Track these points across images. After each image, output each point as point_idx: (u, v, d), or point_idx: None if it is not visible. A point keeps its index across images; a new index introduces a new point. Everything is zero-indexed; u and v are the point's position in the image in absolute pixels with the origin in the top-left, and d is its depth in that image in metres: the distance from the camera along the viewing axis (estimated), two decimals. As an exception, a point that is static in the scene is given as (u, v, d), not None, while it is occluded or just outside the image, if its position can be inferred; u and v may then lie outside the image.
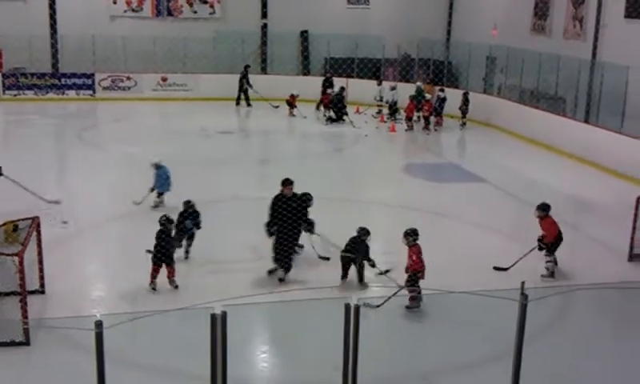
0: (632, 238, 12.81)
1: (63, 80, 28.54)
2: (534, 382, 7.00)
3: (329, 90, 27.08)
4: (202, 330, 5.81)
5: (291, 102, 26.91)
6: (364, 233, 11.24)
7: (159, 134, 23.18)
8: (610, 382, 8.80)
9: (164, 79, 29.27)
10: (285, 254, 11.40)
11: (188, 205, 12.31)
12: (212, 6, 31.04)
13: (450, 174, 19.58)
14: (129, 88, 28.93)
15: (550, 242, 11.82)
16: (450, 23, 32.94)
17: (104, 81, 28.70)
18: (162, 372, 8.63)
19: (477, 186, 18.07)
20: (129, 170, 17.86)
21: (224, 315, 5.59)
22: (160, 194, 14.87)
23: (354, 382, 5.84)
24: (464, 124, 25.70)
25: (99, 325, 5.45)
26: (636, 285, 11.38)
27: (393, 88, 26.43)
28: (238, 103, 28.25)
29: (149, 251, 10.95)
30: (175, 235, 11.67)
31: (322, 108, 27.01)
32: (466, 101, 25.65)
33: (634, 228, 12.79)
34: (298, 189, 14.80)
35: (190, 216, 12.19)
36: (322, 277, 11.20)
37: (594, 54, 23.06)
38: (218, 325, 5.61)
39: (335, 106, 25.96)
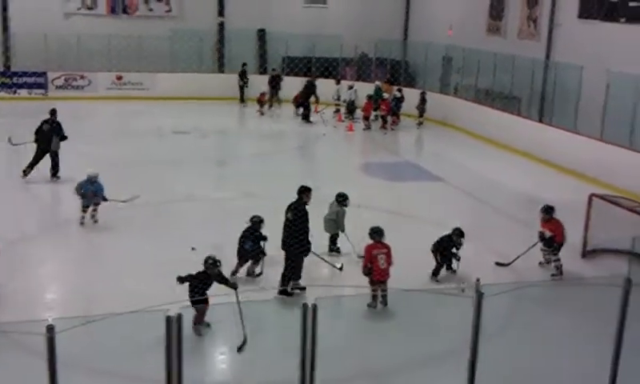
0: (585, 235, 13.03)
1: (15, 79, 27.84)
2: (490, 379, 7.03)
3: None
4: (158, 333, 5.70)
5: (261, 100, 26.84)
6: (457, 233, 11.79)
7: (114, 134, 22.81)
8: (565, 376, 8.91)
9: (119, 78, 28.83)
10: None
11: (252, 221, 11.64)
12: (168, 4, 30.66)
13: (407, 173, 19.68)
14: (83, 87, 28.40)
15: (560, 241, 11.99)
16: (407, 23, 33.15)
17: (57, 80, 28.13)
18: (116, 376, 8.45)
19: (434, 184, 18.21)
20: (82, 170, 17.51)
21: (179, 317, 5.49)
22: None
23: (312, 381, 5.79)
24: (421, 123, 25.90)
25: (51, 329, 5.30)
26: (589, 281, 11.56)
27: (350, 87, 26.48)
28: (242, 101, 28.29)
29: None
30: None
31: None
32: (423, 100, 25.88)
33: (586, 225, 13.01)
34: (254, 189, 14.80)
35: (252, 236, 11.50)
36: (276, 277, 11.13)
37: (547, 54, 23.44)
38: (174, 327, 5.50)
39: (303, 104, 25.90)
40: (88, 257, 12.52)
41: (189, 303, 5.96)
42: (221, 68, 31.17)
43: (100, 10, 29.94)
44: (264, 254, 11.43)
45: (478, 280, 6.35)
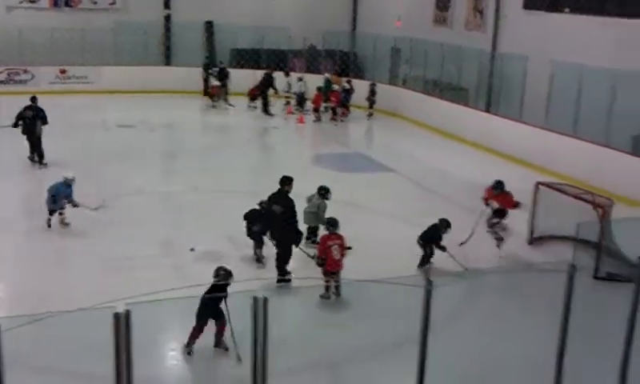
0: (531, 223, 13.27)
1: (-45, 73, 27.09)
2: (441, 367, 7.10)
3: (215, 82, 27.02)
4: (107, 331, 5.59)
5: (212, 93, 26.59)
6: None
7: (58, 129, 22.29)
8: (515, 360, 9.06)
9: (63, 72, 28.20)
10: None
11: (261, 205, 11.75)
12: (112, -4, 30.11)
13: (358, 164, 19.76)
14: (26, 81, 27.63)
15: (513, 207, 12.81)
16: (354, 14, 33.22)
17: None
18: (65, 375, 8.29)
19: (384, 175, 18.32)
20: (25, 166, 17.14)
21: (127, 314, 5.38)
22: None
23: (264, 374, 5.75)
24: (371, 114, 26.03)
25: (-4, 328, 5.14)
26: (536, 267, 11.78)
27: (300, 79, 26.41)
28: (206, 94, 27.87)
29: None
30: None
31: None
32: (372, 92, 26.00)
33: (533, 213, 13.25)
34: (204, 183, 14.68)
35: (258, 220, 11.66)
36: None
37: (494, 45, 23.76)
38: (122, 324, 5.39)
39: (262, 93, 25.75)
40: (35, 254, 12.21)
41: (136, 299, 5.84)
42: (167, 61, 30.73)
43: (42, 3, 29.23)
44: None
45: (428, 268, 6.39)
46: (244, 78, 27.50)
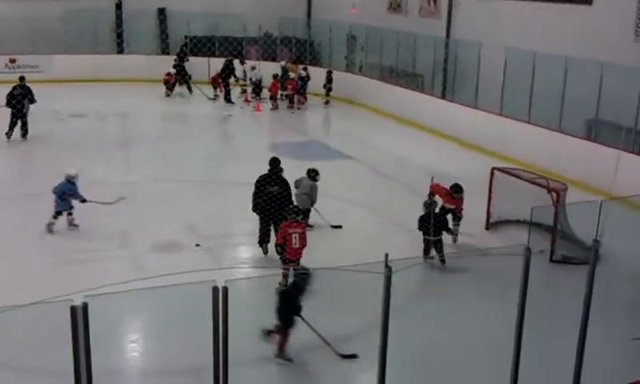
0: (488, 207, 13.43)
1: None
2: (403, 351, 7.14)
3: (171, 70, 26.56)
4: (65, 324, 5.48)
5: (168, 81, 26.22)
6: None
7: (7, 120, 21.79)
8: (475, 342, 9.17)
9: (12, 61, 27.47)
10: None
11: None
12: (61, -16, 29.39)
13: (315, 152, 19.70)
14: (-26, 71, 26.95)
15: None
16: (310, 1, 33.10)
17: (-55, 64, 26.66)
18: (21, 371, 8.12)
19: (342, 162, 18.32)
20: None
21: (85, 307, 5.28)
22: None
23: (225, 364, 5.71)
24: (328, 102, 26.02)
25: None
26: (493, 251, 11.91)
27: (253, 68, 26.15)
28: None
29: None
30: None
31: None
32: (329, 79, 25.99)
33: (489, 198, 13.40)
34: (161, 173, 14.48)
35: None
36: (189, 262, 10.96)
37: (448, 32, 23.93)
38: (79, 317, 5.28)
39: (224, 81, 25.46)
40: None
41: (93, 292, 5.70)
42: (120, 49, 30.20)
43: (-11, -8, 28.41)
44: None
45: (386, 255, 6.40)
46: (198, 66, 27.26)
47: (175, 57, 27.41)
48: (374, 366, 6.11)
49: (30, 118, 18.91)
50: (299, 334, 8.83)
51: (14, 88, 18.72)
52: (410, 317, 9.35)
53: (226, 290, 5.54)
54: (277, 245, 10.56)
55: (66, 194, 12.44)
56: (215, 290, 5.54)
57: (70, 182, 12.55)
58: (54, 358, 6.87)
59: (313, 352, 8.90)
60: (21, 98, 18.51)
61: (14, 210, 13.50)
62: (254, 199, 11.54)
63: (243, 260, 11.83)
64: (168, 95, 26.28)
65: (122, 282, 8.90)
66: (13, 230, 12.53)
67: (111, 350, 8.49)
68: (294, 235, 10.40)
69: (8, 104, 18.41)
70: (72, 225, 12.55)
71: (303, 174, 13.28)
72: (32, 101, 19.06)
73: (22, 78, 19.31)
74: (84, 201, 12.55)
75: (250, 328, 8.62)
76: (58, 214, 12.41)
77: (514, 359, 6.66)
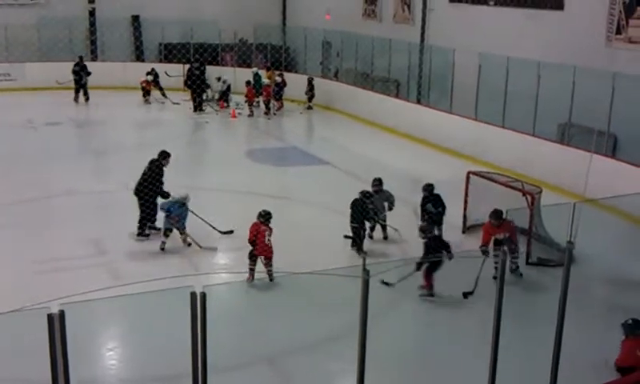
0: (465, 211, 13.52)
1: None
2: (381, 355, 7.17)
3: (148, 77, 26.45)
4: (41, 332, 5.43)
5: (146, 88, 26.07)
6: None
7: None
8: (452, 345, 9.24)
9: (-16, 69, 27.22)
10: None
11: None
12: (34, -9, 29.18)
13: (292, 158, 19.74)
14: (-55, 79, 26.62)
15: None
16: (284, 8, 33.16)
17: None
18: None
19: (319, 168, 18.35)
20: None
21: (62, 314, 5.23)
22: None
23: (204, 370, 5.69)
24: (310, 108, 26.07)
25: None
26: (470, 254, 11.99)
27: (218, 79, 25.96)
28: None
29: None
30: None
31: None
32: (311, 86, 26.03)
33: (465, 201, 13.50)
34: (135, 181, 14.24)
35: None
36: (165, 268, 10.91)
37: (422, 38, 24.10)
38: (56, 325, 5.23)
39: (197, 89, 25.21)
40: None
41: (70, 300, 5.66)
42: (94, 56, 29.99)
43: (-39, -1, 28.10)
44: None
45: (364, 257, 6.44)
46: (173, 73, 27.24)
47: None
48: (352, 372, 6.13)
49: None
50: (281, 341, 8.83)
51: (75, 65, 25.84)
52: (388, 321, 9.40)
53: (204, 295, 5.52)
54: (249, 240, 10.77)
55: (172, 215, 12.06)
56: (193, 295, 5.52)
57: (181, 203, 12.18)
58: (31, 366, 6.80)
59: (294, 356, 8.90)
60: (79, 71, 25.73)
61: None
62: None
63: (221, 266, 11.81)
64: (149, 102, 26.14)
65: (99, 289, 8.87)
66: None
67: (89, 358, 8.42)
68: (267, 233, 10.75)
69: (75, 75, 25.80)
70: (186, 243, 12.19)
71: (280, 179, 13.33)
72: (88, 73, 26.00)
73: (80, 58, 26.42)
74: (183, 233, 12.14)
75: (228, 333, 8.61)
76: (166, 231, 12.11)
77: (492, 361, 6.71)
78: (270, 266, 10.85)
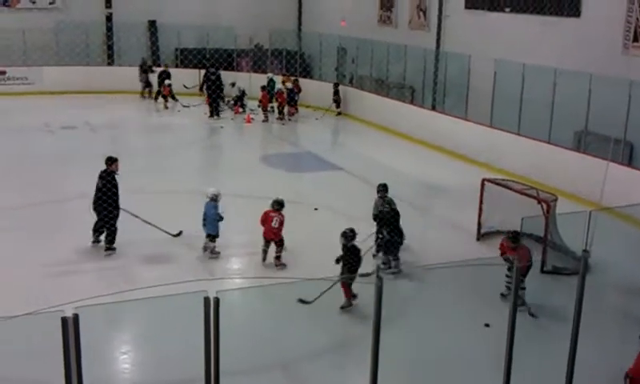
0: (479, 218, 13.46)
1: None
2: (394, 360, 7.14)
3: (166, 82, 26.54)
4: (55, 335, 5.46)
5: (165, 94, 26.22)
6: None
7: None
8: (466, 353, 9.18)
9: (2, 73, 27.41)
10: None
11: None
12: (52, -4, 29.45)
13: (306, 164, 19.74)
14: (-37, 83, 26.89)
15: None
16: (300, 14, 33.22)
17: (-64, 76, 26.59)
18: (12, 381, 8.05)
19: (332, 174, 18.34)
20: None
21: (76, 318, 5.25)
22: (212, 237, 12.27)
23: (217, 375, 5.69)
24: (339, 113, 26.10)
25: None
26: (484, 262, 11.94)
27: (232, 85, 26.06)
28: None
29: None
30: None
31: (160, 98, 26.77)
32: (336, 91, 26.03)
33: (480, 209, 13.44)
34: (150, 185, 14.31)
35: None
36: (180, 273, 10.93)
37: (438, 44, 24.06)
38: (70, 328, 5.26)
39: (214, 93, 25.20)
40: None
41: (84, 303, 5.67)
42: (110, 61, 30.19)
43: (-20, 4, 28.41)
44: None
45: (377, 266, 6.43)
46: (189, 78, 27.34)
47: (161, 71, 27.49)
48: (365, 377, 6.11)
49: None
50: (292, 346, 8.81)
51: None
52: (401, 327, 9.36)
53: (217, 300, 5.53)
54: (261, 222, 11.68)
55: (210, 216, 12.08)
56: (207, 300, 5.53)
57: (215, 200, 12.16)
58: (45, 369, 6.83)
59: (307, 362, 8.88)
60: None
61: (6, 222, 13.40)
62: None
63: (235, 271, 11.82)
64: (167, 107, 26.28)
65: (113, 292, 8.90)
66: (4, 243, 12.46)
67: (103, 361, 8.44)
68: (275, 218, 11.62)
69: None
70: (213, 253, 12.15)
71: (294, 184, 13.35)
72: (168, 77, 26.53)
73: (166, 66, 27.53)
74: (222, 219, 12.17)
75: (242, 338, 8.61)
76: (214, 237, 12.14)
77: (506, 370, 6.66)
78: (279, 252, 11.60)
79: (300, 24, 33.19)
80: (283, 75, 27.56)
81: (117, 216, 12.16)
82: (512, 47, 19.86)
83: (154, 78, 27.37)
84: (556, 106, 17.38)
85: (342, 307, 10.19)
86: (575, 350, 6.86)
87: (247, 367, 8.44)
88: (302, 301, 9.95)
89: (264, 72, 28.11)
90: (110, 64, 30.02)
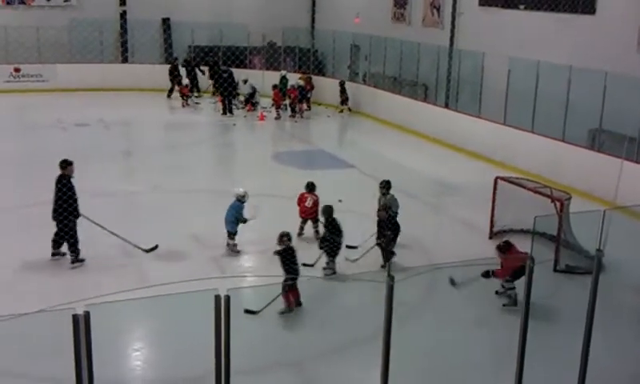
0: (492, 217, 13.40)
1: None
2: (406, 359, 7.12)
3: (184, 81, 26.73)
4: (67, 332, 5.48)
5: (185, 93, 26.32)
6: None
7: (12, 129, 21.88)
8: (479, 353, 9.15)
9: (17, 70, 27.57)
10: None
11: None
12: (66, -7, 29.58)
13: (319, 161, 19.74)
14: (-21, 80, 27.06)
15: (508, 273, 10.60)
16: (313, 11, 33.20)
17: (-49, 73, 26.77)
18: (24, 378, 8.10)
19: (345, 171, 18.32)
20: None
21: (87, 315, 5.27)
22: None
23: (227, 374, 5.69)
24: (349, 110, 26.15)
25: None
26: (497, 261, 11.89)
27: (245, 81, 26.11)
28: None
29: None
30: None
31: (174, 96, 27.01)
32: (343, 89, 26.02)
33: (493, 207, 13.37)
34: (164, 182, 14.32)
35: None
36: (191, 271, 10.95)
37: (451, 42, 23.96)
38: (81, 326, 5.28)
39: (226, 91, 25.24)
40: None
41: (95, 301, 5.68)
42: (124, 58, 30.31)
43: (-5, 1, 28.57)
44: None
45: (388, 264, 6.40)
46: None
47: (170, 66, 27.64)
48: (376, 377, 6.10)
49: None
50: (305, 345, 8.80)
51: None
52: (412, 326, 9.34)
53: (228, 298, 5.53)
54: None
55: (239, 215, 12.11)
56: (217, 298, 5.53)
57: (239, 200, 12.17)
58: (56, 366, 6.86)
59: (318, 360, 8.88)
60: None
61: (17, 221, 13.48)
62: None
63: (246, 269, 11.83)
64: (188, 104, 26.40)
65: (125, 290, 8.92)
66: (15, 240, 12.53)
67: (113, 359, 8.47)
68: (309, 199, 12.85)
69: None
70: (233, 250, 12.18)
71: (305, 182, 13.38)
72: (203, 72, 27.36)
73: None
74: (244, 221, 12.13)
75: (253, 336, 8.61)
76: (233, 234, 12.16)
77: (518, 369, 6.63)
78: (316, 228, 12.87)
79: (313, 21, 33.15)
80: (302, 75, 27.49)
81: (75, 223, 11.30)
82: (526, 44, 19.75)
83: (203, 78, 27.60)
84: (570, 103, 17.27)
85: (281, 313, 9.90)
86: (588, 350, 6.81)
87: (258, 365, 8.44)
88: (248, 311, 9.54)
89: (277, 69, 28.11)
90: (124, 61, 30.14)
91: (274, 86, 25.21)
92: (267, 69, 28.79)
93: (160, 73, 27.91)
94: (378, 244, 11.78)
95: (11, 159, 17.89)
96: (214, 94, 26.97)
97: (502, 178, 13.63)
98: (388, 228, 11.77)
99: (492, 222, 13.40)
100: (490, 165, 18.52)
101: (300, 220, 12.94)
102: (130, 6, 30.11)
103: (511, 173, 16.00)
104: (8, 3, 28.75)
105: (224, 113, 25.01)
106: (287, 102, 25.38)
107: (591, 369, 6.82)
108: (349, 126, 24.89)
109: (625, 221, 13.12)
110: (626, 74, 15.56)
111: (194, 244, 12.40)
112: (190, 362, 8.28)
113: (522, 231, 12.81)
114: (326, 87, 26.91)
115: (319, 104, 26.49)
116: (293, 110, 25.13)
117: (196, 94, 27.51)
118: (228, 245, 12.18)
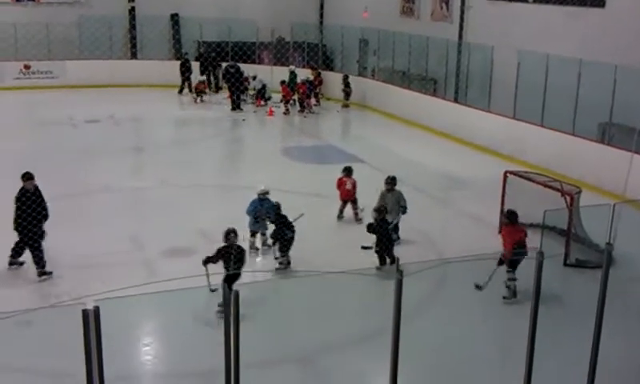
0: (501, 211, 13.34)
1: None
2: (414, 354, 7.12)
3: (199, 78, 26.76)
4: (77, 327, 5.51)
5: (201, 89, 26.38)
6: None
7: (23, 126, 21.97)
8: (488, 347, 9.14)
9: (27, 67, 27.71)
10: None
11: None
12: (75, -10, 29.67)
13: (328, 156, 19.72)
14: (-11, 77, 27.19)
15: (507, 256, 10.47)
16: (322, 6, 33.15)
17: (-40, 70, 26.89)
18: (34, 373, 8.15)
19: (354, 166, 18.21)
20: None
21: (97, 310, 5.29)
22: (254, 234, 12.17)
23: (237, 367, 5.71)
24: (347, 106, 26.09)
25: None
26: (487, 256, 11.84)
27: (254, 77, 26.16)
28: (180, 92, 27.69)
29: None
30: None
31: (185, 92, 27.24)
32: (346, 83, 25.99)
33: (502, 201, 13.33)
34: (173, 178, 14.35)
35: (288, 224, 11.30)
36: (201, 265, 10.97)
37: (460, 35, 23.88)
38: (91, 321, 5.30)
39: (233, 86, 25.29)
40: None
41: (105, 296, 5.72)
42: (133, 54, 30.38)
43: (5, -2, 28.70)
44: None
45: (397, 259, 6.40)
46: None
47: (181, 62, 27.76)
48: (385, 372, 6.10)
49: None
50: (313, 339, 8.81)
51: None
52: (421, 321, 9.33)
53: (237, 293, 5.54)
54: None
55: (260, 214, 11.85)
56: (226, 292, 5.54)
57: (262, 199, 11.95)
58: (66, 361, 6.90)
59: (326, 355, 8.89)
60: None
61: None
62: None
63: (255, 264, 11.85)
64: (203, 101, 26.48)
65: (134, 285, 8.95)
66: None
67: (123, 353, 8.51)
68: (348, 182, 13.72)
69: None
70: (266, 245, 12.06)
71: (316, 176, 13.37)
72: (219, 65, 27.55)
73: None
74: (274, 221, 11.63)
75: (261, 331, 8.63)
76: (253, 233, 12.04)
77: (528, 363, 6.61)
78: (355, 209, 13.75)
79: (322, 16, 33.09)
80: (312, 70, 27.45)
81: (39, 237, 10.89)
82: (535, 38, 19.66)
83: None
84: (580, 97, 17.18)
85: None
86: (598, 344, 6.78)
87: (267, 359, 8.46)
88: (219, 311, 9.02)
89: (285, 65, 28.10)
90: (133, 57, 30.21)
91: (282, 83, 25.22)
92: (276, 64, 28.77)
93: (169, 68, 28.01)
94: (376, 251, 11.63)
95: (24, 156, 17.94)
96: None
97: (512, 172, 13.57)
98: (378, 231, 11.59)
99: (501, 216, 13.33)
100: (499, 159, 18.46)
101: (340, 203, 13.79)
102: (139, 2, 30.18)
103: (521, 167, 15.94)
104: (17, 0, 28.88)
105: (233, 108, 25.04)
106: (296, 97, 25.38)
107: (601, 363, 6.80)
108: (358, 121, 24.86)
109: (635, 214, 13.05)
110: (635, 67, 15.46)
111: (203, 239, 12.41)
112: (200, 356, 8.31)
113: (532, 225, 12.74)
114: (335, 82, 26.88)
115: (328, 99, 26.46)
116: (301, 105, 25.13)
117: (214, 90, 27.68)
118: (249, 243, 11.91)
